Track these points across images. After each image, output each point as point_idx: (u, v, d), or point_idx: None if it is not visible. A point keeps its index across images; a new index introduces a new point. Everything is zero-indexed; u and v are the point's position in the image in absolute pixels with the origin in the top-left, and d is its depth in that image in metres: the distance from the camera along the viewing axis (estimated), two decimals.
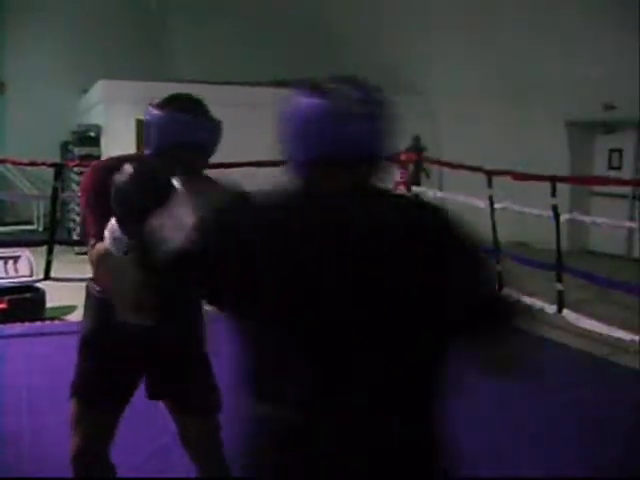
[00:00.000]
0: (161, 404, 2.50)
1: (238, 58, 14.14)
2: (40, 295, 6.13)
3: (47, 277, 5.41)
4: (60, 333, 5.57)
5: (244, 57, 14.14)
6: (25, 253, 6.42)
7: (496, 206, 6.69)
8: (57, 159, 11.28)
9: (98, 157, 10.82)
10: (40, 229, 13.29)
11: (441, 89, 12.30)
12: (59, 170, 6.16)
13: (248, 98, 11.25)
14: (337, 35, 13.20)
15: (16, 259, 6.37)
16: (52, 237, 5.29)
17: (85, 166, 10.32)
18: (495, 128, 11.28)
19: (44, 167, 6.52)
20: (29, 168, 12.22)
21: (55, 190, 5.88)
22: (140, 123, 11.09)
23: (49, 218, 6.33)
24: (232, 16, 14.39)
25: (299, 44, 13.31)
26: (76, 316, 6.49)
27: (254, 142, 10.67)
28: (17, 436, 3.63)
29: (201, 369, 2.45)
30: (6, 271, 6.32)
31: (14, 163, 6.87)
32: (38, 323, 5.88)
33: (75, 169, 10.09)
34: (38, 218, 13.54)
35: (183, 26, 15.30)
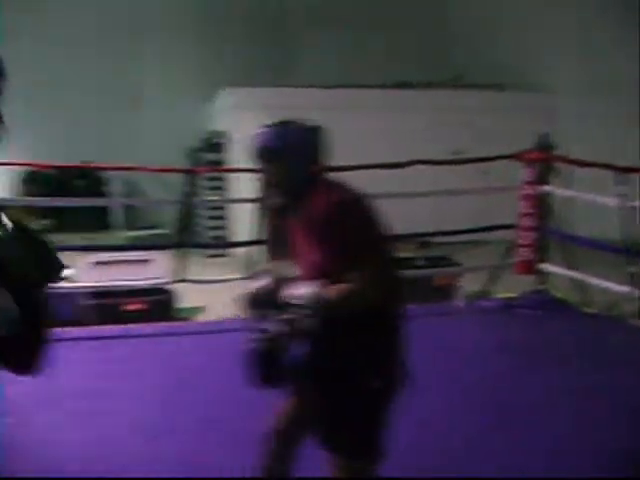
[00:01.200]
0: None
1: (361, 62, 14.22)
2: (172, 297, 6.41)
3: (181, 279, 5.65)
4: (190, 333, 5.79)
5: (368, 61, 14.21)
6: (158, 256, 6.74)
7: (628, 204, 6.38)
8: (185, 166, 11.76)
9: (225, 163, 11.20)
10: (170, 233, 13.88)
11: (565, 86, 11.96)
12: (190, 176, 6.38)
13: (374, 101, 11.30)
14: (452, 35, 13.06)
15: (150, 262, 6.70)
16: (184, 241, 5.51)
17: (214, 171, 10.82)
18: (620, 126, 10.85)
19: (174, 173, 6.79)
20: (159, 174, 12.77)
21: (186, 195, 6.11)
22: None
23: (180, 222, 6.58)
24: (354, 20, 14.50)
25: (422, 46, 13.28)
26: (205, 317, 6.77)
27: (380, 144, 10.82)
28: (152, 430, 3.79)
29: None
30: (141, 273, 6.66)
31: (147, 170, 7.19)
32: (170, 323, 6.15)
33: (204, 175, 10.50)
34: (168, 222, 14.14)
35: (308, 31, 15.51)
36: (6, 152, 11.34)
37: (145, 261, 6.70)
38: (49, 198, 11.78)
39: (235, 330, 5.52)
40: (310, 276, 2.23)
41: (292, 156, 2.28)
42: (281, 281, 2.29)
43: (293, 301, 2.15)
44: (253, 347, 2.26)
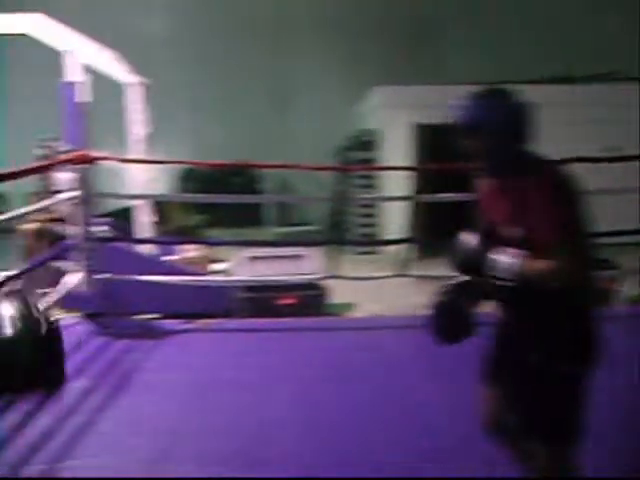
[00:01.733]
0: None
1: (510, 57, 13.85)
2: (324, 292, 6.51)
3: (333, 275, 5.72)
4: (339, 329, 5.85)
5: (516, 55, 13.82)
6: (311, 252, 6.88)
7: None
8: (334, 164, 11.90)
9: (376, 162, 11.23)
10: (320, 230, 14.12)
11: None
12: (341, 174, 6.44)
13: (523, 97, 10.96)
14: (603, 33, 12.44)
15: (303, 258, 6.85)
16: (338, 237, 5.57)
17: (365, 170, 10.89)
18: None
19: (324, 171, 6.86)
20: (310, 172, 13.01)
21: (340, 193, 6.17)
22: (417, 127, 11.33)
23: (332, 220, 6.66)
24: (502, 15, 14.15)
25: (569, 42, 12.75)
26: (355, 313, 6.82)
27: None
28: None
29: None
30: (293, 269, 6.82)
31: (300, 168, 7.34)
32: (321, 318, 6.24)
33: (355, 173, 10.59)
34: (318, 219, 14.38)
35: (457, 27, 15.28)
36: (166, 151, 12.00)
37: (298, 257, 6.85)
38: (205, 195, 12.27)
39: (385, 328, 5.59)
40: (513, 247, 2.23)
41: (496, 132, 2.24)
42: (487, 246, 2.28)
43: (498, 267, 2.18)
44: (440, 299, 2.32)
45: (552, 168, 2.25)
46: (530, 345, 2.23)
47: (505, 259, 2.18)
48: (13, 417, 3.85)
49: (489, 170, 2.33)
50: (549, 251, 2.12)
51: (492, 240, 2.30)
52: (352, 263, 7.48)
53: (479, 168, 2.35)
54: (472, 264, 2.27)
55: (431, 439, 3.52)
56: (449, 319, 2.33)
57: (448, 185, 7.52)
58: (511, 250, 2.20)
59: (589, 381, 2.26)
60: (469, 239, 2.33)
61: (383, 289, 6.99)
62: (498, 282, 2.18)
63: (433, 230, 10.27)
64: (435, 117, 11.15)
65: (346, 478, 3.20)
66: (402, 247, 6.18)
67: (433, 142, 11.19)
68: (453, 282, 2.34)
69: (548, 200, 2.15)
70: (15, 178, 4.97)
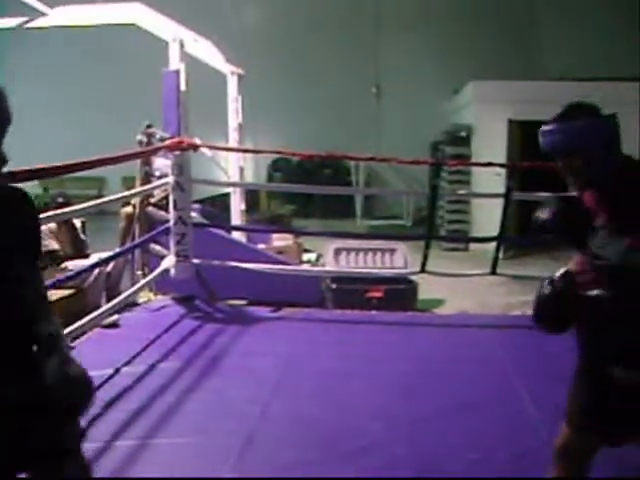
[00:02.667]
0: None
1: (606, 53, 13.39)
2: (413, 287, 6.44)
3: (422, 270, 5.66)
4: (428, 324, 5.79)
5: (611, 51, 13.35)
6: (400, 246, 6.82)
7: None
8: (427, 158, 11.78)
9: (469, 157, 11.05)
10: (409, 224, 14.03)
11: None
12: (434, 169, 6.36)
13: (627, 95, 10.55)
14: None
15: (392, 251, 6.80)
16: (429, 232, 5.50)
17: (458, 165, 10.75)
18: None
19: (416, 165, 6.77)
20: (401, 166, 12.92)
21: (434, 188, 6.10)
22: (512, 123, 11.09)
23: (422, 214, 6.60)
24: (599, 9, 13.70)
25: None
26: (444, 310, 6.74)
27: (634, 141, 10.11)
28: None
29: None
30: (383, 262, 6.78)
31: (395, 161, 7.28)
32: (409, 313, 6.19)
33: (447, 168, 10.47)
34: (407, 213, 14.30)
35: (551, 22, 14.88)
36: (258, 141, 12.17)
37: (388, 250, 6.81)
38: (296, 185, 12.38)
39: (474, 325, 5.50)
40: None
41: (580, 153, 2.20)
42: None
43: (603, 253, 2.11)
44: (545, 290, 2.21)
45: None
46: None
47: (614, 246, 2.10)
48: (109, 393, 3.98)
49: (583, 185, 2.27)
50: None
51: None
52: (440, 259, 7.37)
53: (579, 186, 2.29)
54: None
55: (529, 438, 3.43)
56: (559, 306, 2.21)
57: (541, 183, 7.34)
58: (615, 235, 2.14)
59: None
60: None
61: (472, 286, 6.88)
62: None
63: (525, 229, 10.07)
64: (530, 113, 11.00)
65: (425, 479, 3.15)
66: (492, 245, 6.04)
67: (527, 139, 10.95)
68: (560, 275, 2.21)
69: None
70: (116, 163, 5.14)
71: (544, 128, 2.26)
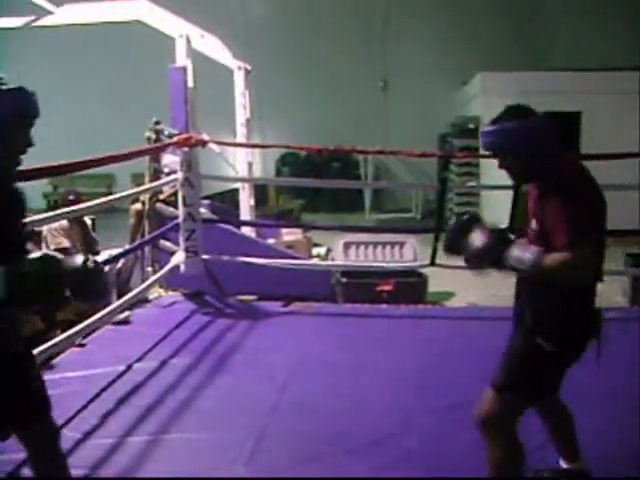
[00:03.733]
0: None
1: (615, 43, 13.32)
2: (423, 280, 6.43)
3: (432, 263, 5.65)
4: (438, 317, 5.77)
5: (620, 41, 13.28)
6: (410, 240, 6.82)
7: None
8: (435, 151, 11.74)
9: (477, 149, 11.01)
10: (418, 217, 14.00)
11: None
12: (442, 161, 6.34)
13: (630, 84, 10.49)
14: None
15: (402, 245, 6.80)
16: (439, 225, 5.49)
17: (466, 157, 10.73)
18: None
19: (425, 158, 6.74)
20: (408, 158, 12.87)
21: (443, 180, 6.09)
22: None
23: (431, 207, 6.58)
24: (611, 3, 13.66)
25: None
26: (454, 303, 6.73)
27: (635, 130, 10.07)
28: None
29: None
30: (392, 255, 6.78)
31: (403, 154, 7.26)
32: (420, 306, 6.18)
33: (456, 160, 10.43)
34: (416, 206, 14.27)
35: (559, 12, 14.79)
36: (267, 135, 12.17)
37: (397, 243, 6.81)
38: (305, 179, 12.36)
39: (484, 318, 5.48)
40: (532, 242, 2.51)
41: (514, 152, 2.48)
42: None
43: (513, 259, 2.38)
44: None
45: (574, 173, 2.49)
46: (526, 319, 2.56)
47: (521, 253, 2.37)
48: (121, 389, 4.00)
49: (520, 180, 2.62)
50: (561, 248, 2.33)
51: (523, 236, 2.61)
52: None
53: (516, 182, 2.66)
54: (489, 255, 2.47)
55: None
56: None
57: None
58: (530, 246, 2.44)
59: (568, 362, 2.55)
60: (481, 235, 2.49)
61: (482, 278, 6.85)
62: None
63: None
64: (539, 104, 10.95)
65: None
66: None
67: None
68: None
69: (566, 203, 2.36)
70: (125, 160, 5.15)
71: (482, 129, 2.54)
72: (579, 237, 2.32)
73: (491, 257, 2.45)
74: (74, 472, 3.08)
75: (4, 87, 2.10)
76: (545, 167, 2.47)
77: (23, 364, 2.35)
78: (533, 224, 2.55)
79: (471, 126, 11.47)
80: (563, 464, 2.92)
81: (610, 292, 6.98)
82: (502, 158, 2.52)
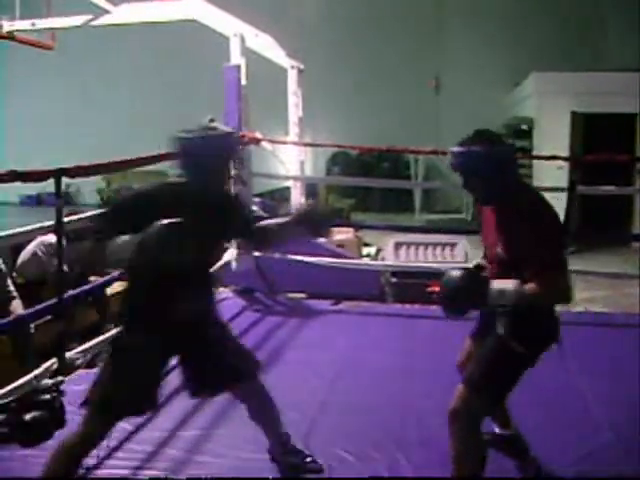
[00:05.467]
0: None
1: None
2: None
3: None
4: None
5: None
6: (462, 241, 6.76)
7: None
8: None
9: (530, 150, 10.87)
10: (468, 218, 13.87)
11: None
12: None
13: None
14: None
15: (453, 246, 6.75)
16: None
17: (519, 159, 10.56)
18: None
19: None
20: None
21: None
22: (575, 116, 10.87)
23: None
24: None
25: None
26: None
27: None
28: None
29: None
30: (443, 256, 6.74)
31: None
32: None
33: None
34: (467, 207, 14.14)
35: (615, 12, 14.50)
36: (318, 135, 12.15)
37: (448, 244, 6.76)
38: (356, 178, 12.36)
39: None
40: (493, 263, 2.68)
41: (477, 175, 2.60)
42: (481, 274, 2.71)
43: (495, 296, 2.48)
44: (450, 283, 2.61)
45: (531, 197, 2.65)
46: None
47: (504, 286, 2.48)
48: (172, 382, 4.05)
49: (482, 202, 2.75)
50: (532, 271, 2.49)
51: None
52: None
53: (480, 202, 2.78)
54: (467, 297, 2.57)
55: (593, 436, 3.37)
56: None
57: (605, 176, 7.19)
58: (493, 269, 2.66)
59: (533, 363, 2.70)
60: (458, 275, 2.59)
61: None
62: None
63: (589, 223, 9.87)
64: (593, 105, 10.78)
65: None
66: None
67: (590, 131, 10.73)
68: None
69: (536, 230, 2.50)
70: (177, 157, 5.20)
71: (451, 149, 2.65)
72: (556, 262, 2.51)
73: (470, 296, 2.55)
74: (126, 463, 3.16)
75: (219, 132, 2.75)
76: (505, 191, 2.61)
77: (215, 327, 2.87)
78: (498, 250, 2.62)
79: (524, 127, 11.34)
80: (497, 430, 3.12)
81: None
82: (467, 179, 2.64)
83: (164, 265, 2.46)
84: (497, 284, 2.48)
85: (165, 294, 2.62)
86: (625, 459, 3.19)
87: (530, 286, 2.47)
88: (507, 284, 2.47)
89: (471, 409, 2.69)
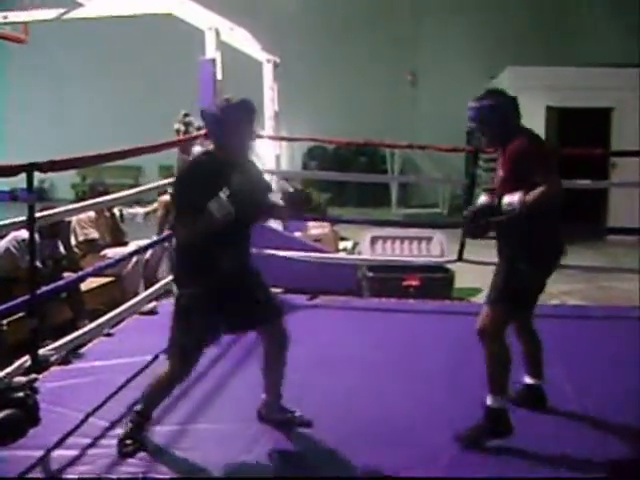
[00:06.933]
0: None
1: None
2: (450, 276, 6.40)
3: (460, 259, 5.62)
4: (465, 313, 5.72)
5: None
6: (437, 235, 6.78)
7: None
8: (462, 145, 11.64)
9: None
10: (444, 212, 13.92)
11: None
12: (470, 157, 6.29)
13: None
14: None
15: (429, 240, 6.76)
16: (463, 221, 5.45)
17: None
18: None
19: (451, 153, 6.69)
20: (435, 153, 12.76)
21: (472, 175, 6.06)
22: (550, 110, 10.92)
23: (457, 202, 6.54)
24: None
25: None
26: (481, 299, 6.66)
27: None
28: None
29: None
30: (419, 250, 6.75)
31: (436, 149, 7.20)
32: (446, 302, 6.15)
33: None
34: (443, 201, 14.19)
35: (591, 7, 14.61)
36: (294, 129, 12.09)
37: (425, 238, 6.77)
38: (332, 172, 12.35)
39: None
40: (499, 186, 3.37)
41: (489, 123, 3.36)
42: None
43: (507, 206, 3.21)
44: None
45: (529, 135, 3.36)
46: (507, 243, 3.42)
47: (512, 198, 3.19)
48: (147, 379, 4.02)
49: (490, 144, 3.57)
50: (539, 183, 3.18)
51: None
52: (477, 247, 7.27)
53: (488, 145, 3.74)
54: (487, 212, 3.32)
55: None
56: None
57: (580, 170, 7.23)
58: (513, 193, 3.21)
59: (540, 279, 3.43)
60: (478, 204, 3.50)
61: None
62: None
63: (564, 216, 9.93)
64: (569, 100, 10.84)
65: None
66: None
67: (565, 126, 10.79)
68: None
69: (532, 154, 3.26)
70: (153, 152, 5.18)
71: (469, 105, 3.38)
72: (550, 173, 3.22)
73: (488, 213, 3.28)
74: (101, 461, 3.13)
75: (235, 102, 3.16)
76: (509, 134, 3.31)
77: (251, 275, 3.37)
78: (500, 173, 3.39)
79: None
80: (527, 379, 3.69)
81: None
82: (480, 127, 3.39)
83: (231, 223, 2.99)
84: (507, 197, 3.19)
85: (222, 250, 3.11)
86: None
87: (531, 194, 3.16)
88: (513, 196, 3.17)
89: (493, 321, 3.29)
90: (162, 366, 3.34)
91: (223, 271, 3.14)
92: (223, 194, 2.96)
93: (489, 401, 3.30)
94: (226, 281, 3.16)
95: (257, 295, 3.32)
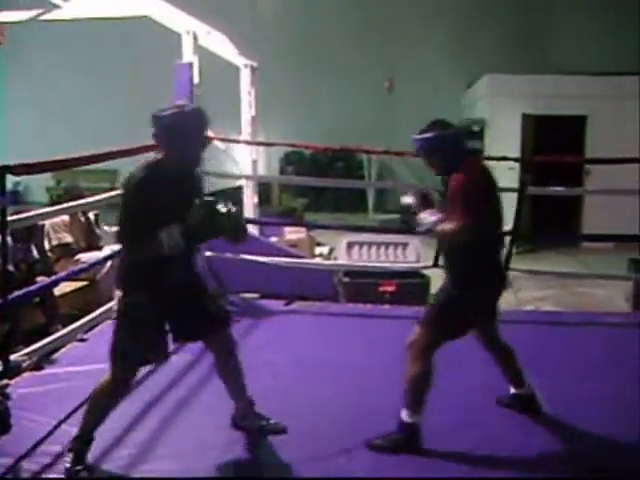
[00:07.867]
0: None
1: (622, 47, 13.28)
2: (426, 281, 6.41)
3: (436, 265, 5.63)
4: None
5: (627, 45, 13.22)
6: (413, 241, 6.80)
7: None
8: None
9: (481, 151, 10.98)
10: None
11: None
12: None
13: (636, 89, 10.46)
14: None
15: (405, 246, 6.79)
16: None
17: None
18: None
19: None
20: (412, 159, 12.79)
21: (446, 183, 6.08)
22: (526, 117, 11.02)
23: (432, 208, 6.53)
24: (616, 2, 13.61)
25: None
26: None
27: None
28: None
29: None
30: (395, 256, 6.77)
31: (413, 155, 7.19)
32: (422, 307, 6.14)
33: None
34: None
35: (567, 15, 14.76)
36: (271, 134, 12.05)
37: (401, 244, 6.80)
38: (309, 178, 12.32)
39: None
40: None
41: (433, 154, 3.41)
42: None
43: (420, 220, 3.32)
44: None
45: (470, 167, 3.35)
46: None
47: (426, 217, 3.29)
48: None
49: (439, 173, 3.47)
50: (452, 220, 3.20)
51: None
52: None
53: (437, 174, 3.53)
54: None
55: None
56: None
57: (556, 177, 7.31)
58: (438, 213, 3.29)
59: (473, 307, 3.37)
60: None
61: None
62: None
63: (539, 223, 10.02)
64: (545, 107, 10.95)
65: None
66: (507, 239, 6.01)
67: (541, 133, 10.90)
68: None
69: (458, 190, 3.23)
70: (129, 155, 5.14)
71: (413, 137, 3.46)
72: (468, 211, 3.15)
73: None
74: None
75: (188, 109, 3.10)
76: (452, 165, 3.31)
77: (197, 285, 3.32)
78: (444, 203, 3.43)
79: (476, 128, 11.44)
80: (513, 390, 3.75)
81: (614, 297, 6.99)
82: (426, 158, 3.43)
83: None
84: (428, 213, 3.29)
85: (169, 260, 2.98)
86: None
87: (443, 225, 3.22)
88: (432, 216, 3.27)
89: (421, 340, 3.34)
90: (99, 382, 3.19)
91: (170, 280, 3.08)
92: (176, 228, 2.88)
93: (403, 415, 3.34)
94: (173, 290, 3.10)
95: (204, 304, 3.29)
